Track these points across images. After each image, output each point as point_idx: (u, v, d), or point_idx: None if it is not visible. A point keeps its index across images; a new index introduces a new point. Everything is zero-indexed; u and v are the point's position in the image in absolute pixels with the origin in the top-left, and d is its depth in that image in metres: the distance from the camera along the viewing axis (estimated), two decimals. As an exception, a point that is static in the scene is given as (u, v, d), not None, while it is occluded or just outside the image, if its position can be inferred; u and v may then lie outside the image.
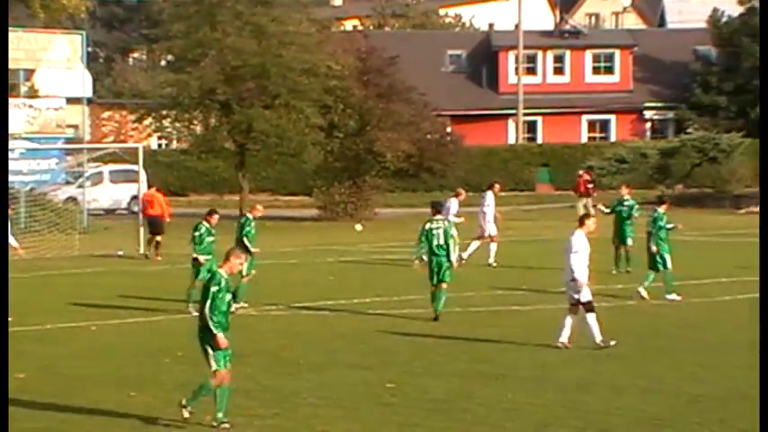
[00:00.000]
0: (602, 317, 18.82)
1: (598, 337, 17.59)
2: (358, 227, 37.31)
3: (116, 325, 21.00)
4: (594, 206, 45.96)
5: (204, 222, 22.51)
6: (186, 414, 13.05)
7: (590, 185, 48.64)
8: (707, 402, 14.06)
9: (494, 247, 30.05)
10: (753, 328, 19.65)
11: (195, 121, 50.57)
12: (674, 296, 22.90)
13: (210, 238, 22.31)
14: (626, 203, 28.47)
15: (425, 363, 16.84)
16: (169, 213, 35.30)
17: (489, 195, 31.13)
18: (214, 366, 12.96)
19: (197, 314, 21.10)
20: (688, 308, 22.19)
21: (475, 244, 30.48)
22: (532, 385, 15.10)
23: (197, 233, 22.33)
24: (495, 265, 29.52)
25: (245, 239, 22.80)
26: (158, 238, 33.78)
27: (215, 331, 12.93)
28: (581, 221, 18.34)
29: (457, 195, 29.90)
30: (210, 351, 12.98)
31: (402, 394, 14.67)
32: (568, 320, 17.77)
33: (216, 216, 22.75)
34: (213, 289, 13.02)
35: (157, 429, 13.15)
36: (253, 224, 23.11)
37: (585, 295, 17.72)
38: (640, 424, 13.01)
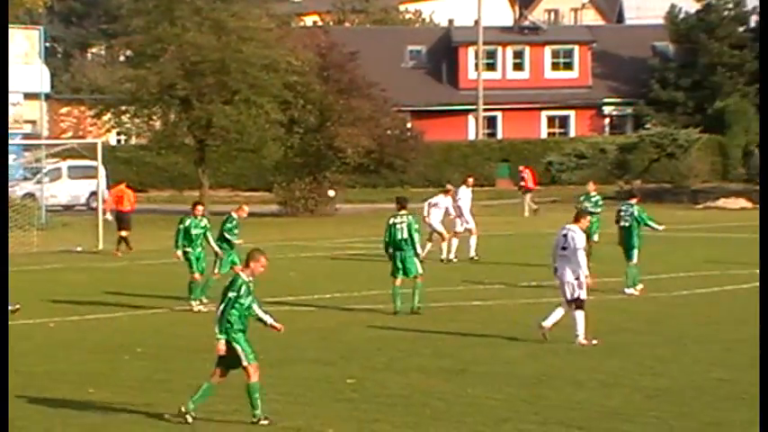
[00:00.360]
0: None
1: (581, 336, 17.59)
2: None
3: (75, 321, 20.88)
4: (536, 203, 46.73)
5: (190, 215, 22.49)
6: (265, 422, 12.83)
7: (522, 183, 49.42)
8: (665, 396, 14.16)
9: (455, 242, 30.15)
10: (710, 322, 19.85)
11: (154, 117, 50.35)
12: (632, 290, 23.05)
13: (197, 231, 22.33)
14: (593, 199, 28.64)
15: (386, 358, 16.86)
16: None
17: (462, 190, 31.12)
18: (245, 362, 12.87)
19: (199, 308, 21.30)
20: (646, 302, 22.33)
21: (472, 240, 30.29)
22: (492, 380, 15.15)
23: (181, 226, 22.39)
24: (455, 260, 29.60)
25: (226, 234, 22.82)
26: (123, 233, 33.62)
27: (218, 336, 12.88)
28: (576, 218, 18.04)
29: (446, 192, 29.67)
30: (239, 348, 12.87)
31: (363, 389, 14.68)
32: (560, 311, 17.75)
33: (200, 207, 22.85)
34: (231, 294, 12.92)
35: (116, 425, 13.09)
36: (235, 222, 23.08)
37: (583, 293, 17.69)
38: (600, 418, 13.08)
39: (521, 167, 51.37)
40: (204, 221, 22.72)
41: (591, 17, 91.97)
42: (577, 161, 59.65)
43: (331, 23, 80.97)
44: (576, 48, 70.72)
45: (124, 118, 50.22)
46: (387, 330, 19.33)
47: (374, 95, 52.03)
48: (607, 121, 70.57)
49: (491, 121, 69.94)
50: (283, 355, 17.13)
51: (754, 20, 68.33)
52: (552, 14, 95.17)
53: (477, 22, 69.32)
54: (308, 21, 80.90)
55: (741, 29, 67.90)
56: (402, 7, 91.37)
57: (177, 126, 49.68)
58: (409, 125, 57.61)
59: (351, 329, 19.50)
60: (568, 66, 70.59)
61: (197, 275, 22.21)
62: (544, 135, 69.38)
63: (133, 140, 60.19)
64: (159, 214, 49.85)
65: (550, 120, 70.73)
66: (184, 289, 22.25)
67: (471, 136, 69.05)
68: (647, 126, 63.39)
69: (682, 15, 68.44)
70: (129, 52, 53.36)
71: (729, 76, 65.81)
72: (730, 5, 67.81)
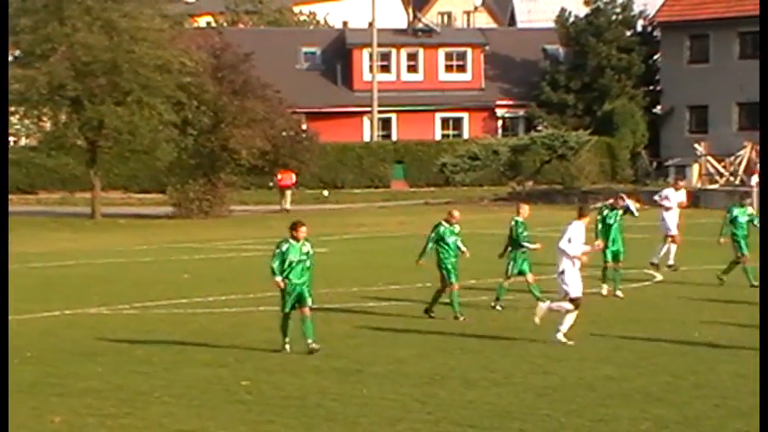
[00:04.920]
0: (469, 311, 19.14)
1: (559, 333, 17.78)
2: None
3: (-38, 326, 20.47)
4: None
5: (444, 222, 20.69)
6: None
7: (276, 180, 51.66)
8: (555, 394, 14.40)
9: (673, 247, 27.60)
10: (600, 320, 20.22)
11: (44, 118, 49.66)
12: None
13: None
14: (748, 212, 27.36)
15: (280, 360, 16.88)
16: None
17: (668, 191, 28.94)
18: None
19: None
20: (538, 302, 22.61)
21: (664, 246, 27.71)
22: (386, 380, 15.27)
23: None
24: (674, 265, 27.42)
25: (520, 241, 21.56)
26: None
27: None
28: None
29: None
30: None
31: (257, 391, 14.68)
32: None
33: (456, 213, 20.90)
34: None
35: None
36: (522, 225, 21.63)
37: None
38: (491, 416, 13.27)
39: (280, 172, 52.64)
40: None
41: (483, 20, 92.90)
42: (471, 162, 60.17)
43: (225, 24, 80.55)
44: (469, 50, 71.37)
45: (13, 119, 49.40)
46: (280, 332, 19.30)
47: (269, 97, 51.92)
48: (500, 122, 71.37)
49: (386, 123, 70.25)
50: (177, 358, 17.04)
51: (640, 24, 69.82)
52: (445, 17, 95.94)
53: (371, 24, 69.55)
54: (202, 21, 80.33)
55: (628, 33, 69.27)
56: (296, 9, 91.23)
57: (68, 127, 49.04)
58: (304, 126, 57.59)
59: (245, 331, 19.46)
60: (462, 68, 71.21)
61: None
62: (438, 137, 69.89)
63: (23, 142, 59.20)
64: (50, 216, 49.06)
65: (444, 121, 71.28)
66: (74, 292, 21.92)
67: (366, 137, 69.26)
68: (539, 128, 64.27)
69: (571, 19, 69.53)
70: (17, 52, 52.46)
71: (617, 78, 67.04)
72: (618, 10, 69.10)
